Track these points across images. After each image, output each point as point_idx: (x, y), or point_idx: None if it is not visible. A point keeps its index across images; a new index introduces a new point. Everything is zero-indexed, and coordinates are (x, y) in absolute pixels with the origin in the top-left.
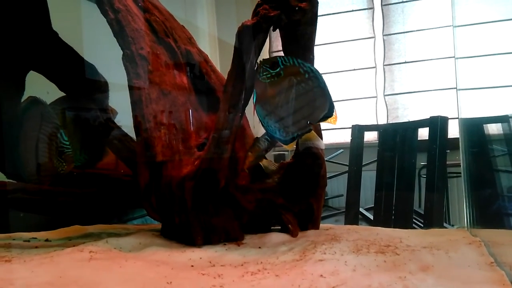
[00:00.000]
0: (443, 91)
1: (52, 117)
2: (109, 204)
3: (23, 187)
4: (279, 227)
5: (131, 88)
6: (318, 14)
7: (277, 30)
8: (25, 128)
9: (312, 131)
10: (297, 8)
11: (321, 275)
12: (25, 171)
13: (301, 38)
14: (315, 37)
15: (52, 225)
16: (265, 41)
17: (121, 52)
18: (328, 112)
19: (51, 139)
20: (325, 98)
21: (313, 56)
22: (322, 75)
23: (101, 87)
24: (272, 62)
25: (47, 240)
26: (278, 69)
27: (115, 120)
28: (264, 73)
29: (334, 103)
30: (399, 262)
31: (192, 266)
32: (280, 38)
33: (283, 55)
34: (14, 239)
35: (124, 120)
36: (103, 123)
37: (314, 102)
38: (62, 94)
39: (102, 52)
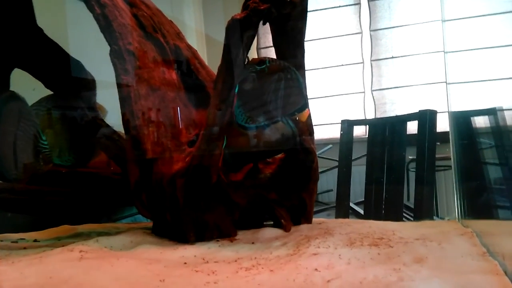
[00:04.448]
0: (429, 85)
1: (30, 115)
2: (98, 203)
3: (10, 187)
4: (272, 222)
5: (119, 84)
6: None
7: (267, 26)
8: (2, 123)
9: (280, 123)
10: (287, 0)
11: (316, 269)
12: (2, 166)
13: (291, 32)
14: (305, 31)
15: (41, 225)
16: (255, 35)
17: (109, 48)
18: (300, 107)
19: (29, 137)
20: (301, 97)
21: (304, 50)
22: (310, 70)
23: (88, 84)
24: (260, 60)
25: (35, 240)
26: (263, 66)
27: (105, 118)
28: (250, 68)
29: (322, 101)
30: (393, 254)
31: (185, 263)
32: (268, 35)
33: (274, 50)
34: (1, 240)
35: (114, 118)
36: (90, 121)
37: (288, 98)
38: (48, 91)
39: (89, 49)
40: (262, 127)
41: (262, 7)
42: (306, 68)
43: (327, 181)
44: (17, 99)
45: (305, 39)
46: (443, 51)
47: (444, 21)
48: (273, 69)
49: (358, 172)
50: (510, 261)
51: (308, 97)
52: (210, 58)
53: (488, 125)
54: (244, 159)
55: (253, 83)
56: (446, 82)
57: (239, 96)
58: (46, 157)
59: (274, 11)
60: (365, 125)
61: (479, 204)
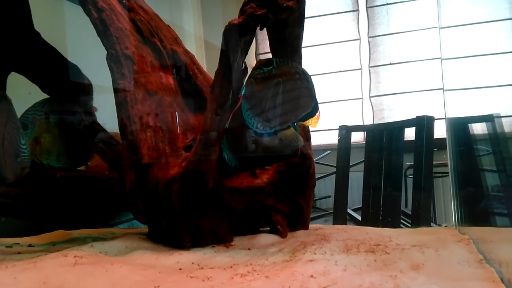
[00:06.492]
0: (426, 92)
1: (16, 117)
2: (95, 207)
3: (5, 191)
4: (268, 228)
5: (116, 88)
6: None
7: (264, 32)
8: None
9: (291, 129)
10: (284, 6)
11: (312, 276)
12: None
13: (288, 38)
14: (302, 37)
15: (36, 230)
16: (252, 41)
17: (106, 53)
18: (311, 111)
19: (12, 139)
20: (311, 99)
21: (301, 56)
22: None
23: (85, 88)
24: (267, 61)
25: (30, 245)
26: (271, 67)
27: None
28: (257, 70)
29: (320, 107)
30: (390, 261)
31: (180, 269)
32: (266, 40)
33: (271, 56)
34: None
35: (110, 123)
36: (87, 126)
37: (298, 101)
38: (43, 95)
39: (86, 53)
40: (273, 133)
41: (259, 13)
42: None
43: (325, 187)
44: (5, 99)
45: (304, 45)
46: (440, 58)
47: (441, 28)
48: (281, 70)
49: (356, 178)
50: (507, 268)
51: None
52: (209, 63)
53: (486, 131)
54: (246, 163)
55: (260, 85)
56: (443, 88)
57: (246, 99)
58: (23, 161)
59: (271, 16)
60: (363, 131)
61: (476, 211)
